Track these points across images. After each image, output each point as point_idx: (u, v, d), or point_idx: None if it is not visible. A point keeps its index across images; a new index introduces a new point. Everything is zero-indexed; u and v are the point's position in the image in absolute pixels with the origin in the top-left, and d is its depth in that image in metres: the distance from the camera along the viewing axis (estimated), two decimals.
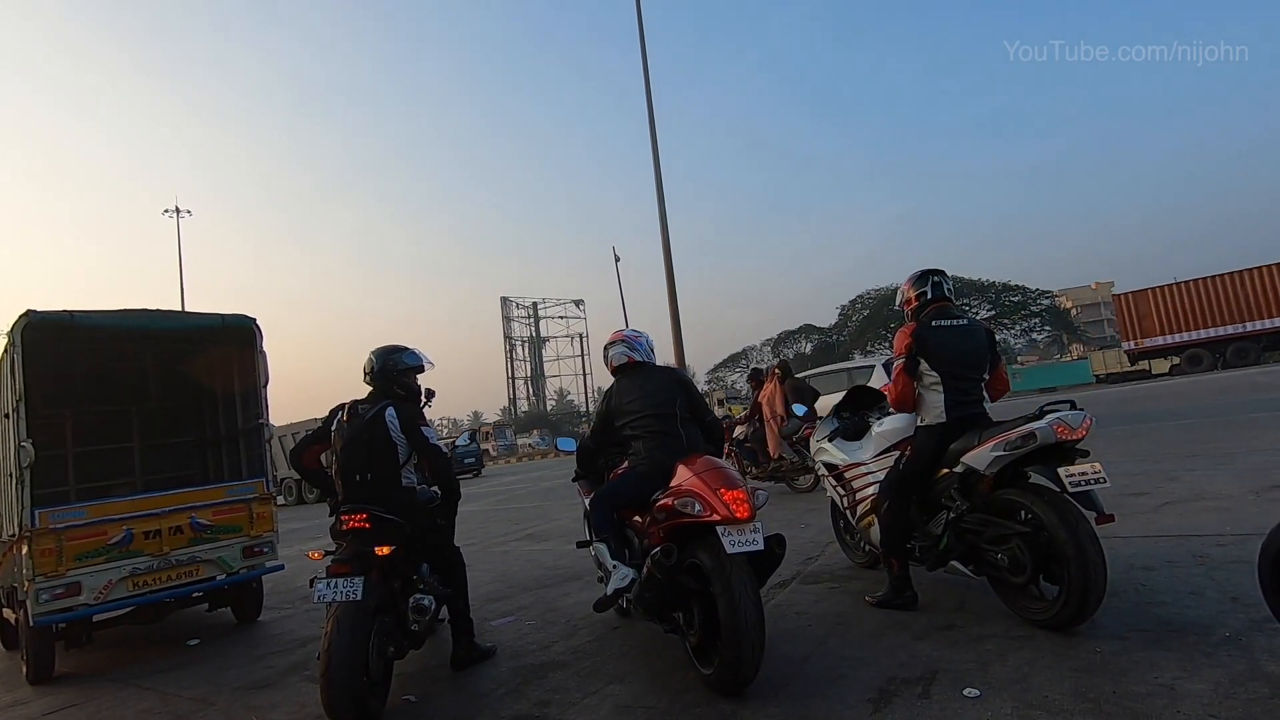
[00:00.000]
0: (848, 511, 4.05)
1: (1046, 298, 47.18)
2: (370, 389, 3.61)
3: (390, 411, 3.42)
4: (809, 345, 54.43)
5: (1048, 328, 49.73)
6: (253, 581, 5.39)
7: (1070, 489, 2.85)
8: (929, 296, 3.53)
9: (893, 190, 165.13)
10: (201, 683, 4.04)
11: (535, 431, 50.74)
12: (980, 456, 3.10)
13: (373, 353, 3.64)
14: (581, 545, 3.87)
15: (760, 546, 2.69)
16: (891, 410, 3.76)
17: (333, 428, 3.50)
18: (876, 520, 3.62)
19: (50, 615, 4.35)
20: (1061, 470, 2.89)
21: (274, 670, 4.08)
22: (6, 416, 4.68)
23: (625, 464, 3.51)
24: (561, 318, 65.08)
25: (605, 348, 3.82)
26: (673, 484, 3.01)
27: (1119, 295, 30.58)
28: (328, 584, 2.94)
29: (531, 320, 64.18)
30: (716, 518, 2.71)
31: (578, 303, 65.08)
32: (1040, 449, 2.97)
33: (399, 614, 3.21)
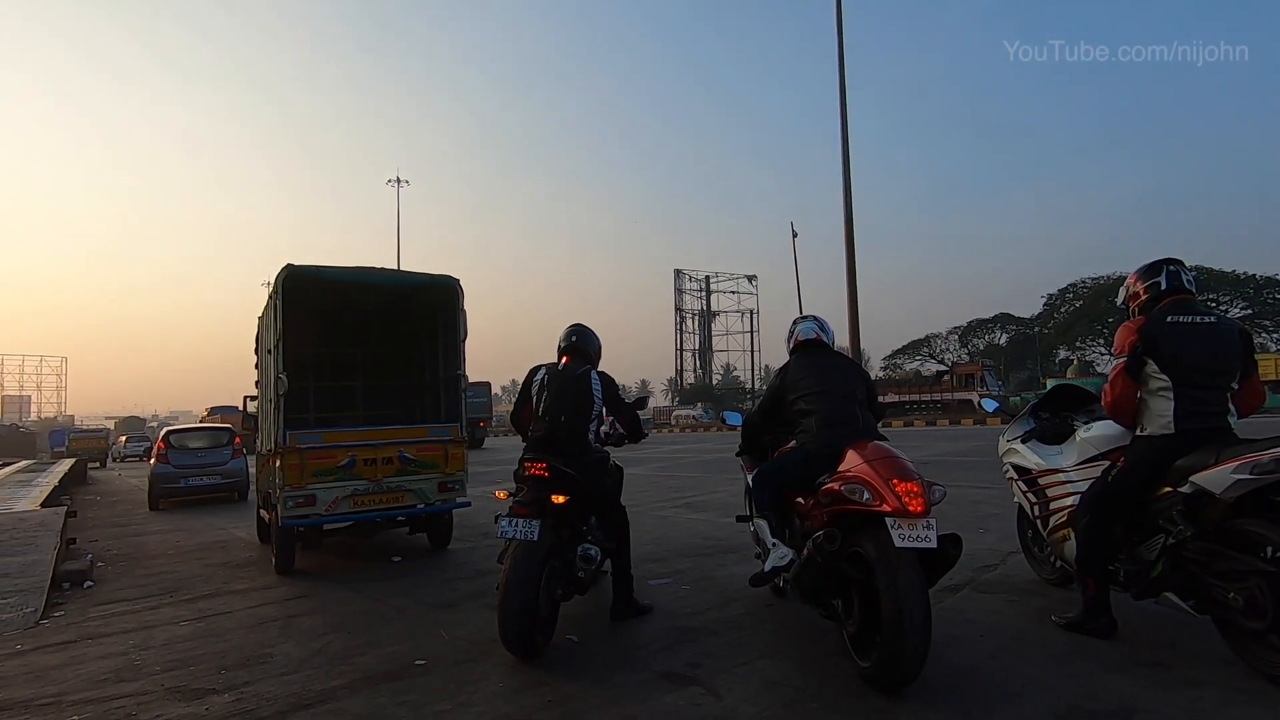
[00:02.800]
0: (1038, 521, 3.68)
1: None
2: (566, 355, 3.96)
3: (594, 375, 3.85)
4: (1004, 336, 49.47)
5: None
6: (445, 514, 6.09)
7: None
8: (1163, 287, 3.05)
9: (1126, 165, 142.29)
10: (400, 595, 4.66)
11: (699, 405, 51.34)
12: (1217, 478, 2.65)
13: (573, 330, 4.05)
14: (741, 520, 3.90)
15: (933, 544, 2.55)
16: (1103, 414, 3.34)
17: (534, 383, 3.89)
18: (1073, 535, 3.25)
19: (293, 519, 5.25)
20: None
21: (459, 594, 4.60)
22: (269, 352, 5.65)
23: (792, 443, 3.46)
24: (733, 293, 64.59)
25: (794, 322, 3.84)
26: (841, 468, 2.91)
27: None
28: (510, 522, 3.27)
29: (703, 294, 64.41)
30: (886, 508, 2.60)
31: (750, 278, 64.19)
32: None
33: (567, 560, 3.47)
